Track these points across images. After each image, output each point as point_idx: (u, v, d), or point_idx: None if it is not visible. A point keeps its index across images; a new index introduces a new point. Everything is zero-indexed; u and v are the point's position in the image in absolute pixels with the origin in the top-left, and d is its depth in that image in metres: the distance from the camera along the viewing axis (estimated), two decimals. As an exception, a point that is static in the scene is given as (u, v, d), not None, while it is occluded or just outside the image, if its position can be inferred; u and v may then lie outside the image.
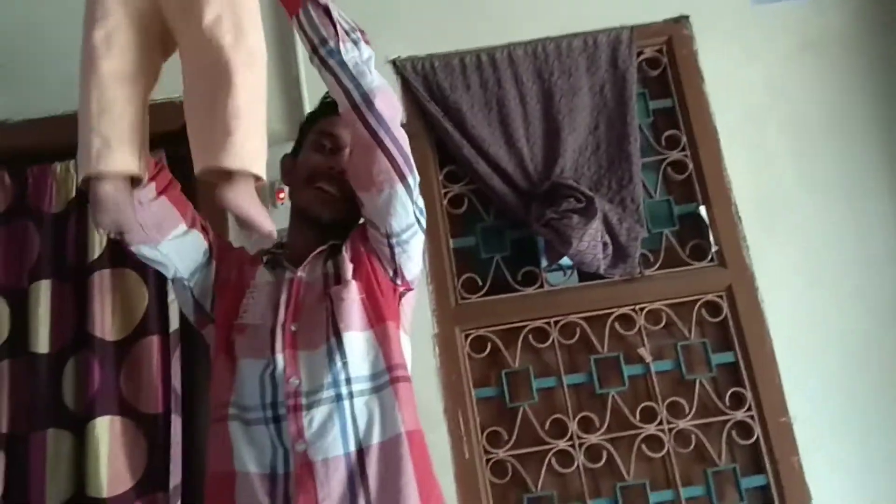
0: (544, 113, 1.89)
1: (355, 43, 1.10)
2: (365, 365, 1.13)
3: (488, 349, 1.82)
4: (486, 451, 1.75)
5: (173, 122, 1.83)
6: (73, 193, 1.82)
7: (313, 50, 1.11)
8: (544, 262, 1.87)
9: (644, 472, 1.77)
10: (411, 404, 1.14)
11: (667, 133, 1.97)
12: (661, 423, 1.78)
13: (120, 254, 1.77)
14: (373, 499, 1.06)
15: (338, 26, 1.09)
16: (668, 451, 1.76)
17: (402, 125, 1.17)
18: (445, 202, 1.91)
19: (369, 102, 1.10)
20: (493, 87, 1.90)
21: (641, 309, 1.84)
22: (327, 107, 1.26)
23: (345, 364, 1.11)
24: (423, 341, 1.76)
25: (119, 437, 1.65)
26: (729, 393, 1.80)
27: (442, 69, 1.92)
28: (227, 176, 0.97)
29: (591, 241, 1.72)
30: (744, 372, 1.81)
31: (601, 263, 1.77)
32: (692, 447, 1.78)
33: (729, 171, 1.92)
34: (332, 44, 1.09)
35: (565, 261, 1.81)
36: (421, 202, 1.22)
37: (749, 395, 1.79)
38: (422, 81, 1.92)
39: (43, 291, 1.74)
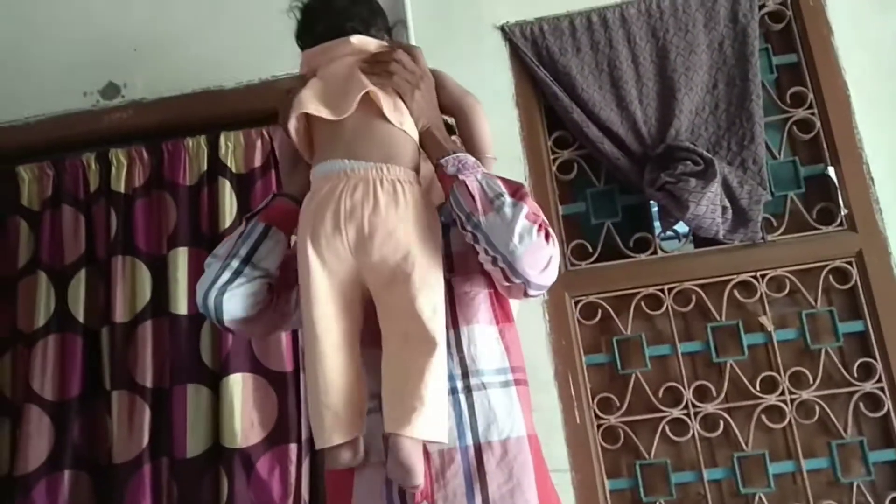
0: (659, 73, 1.83)
1: (497, 211, 1.03)
2: (487, 361, 1.10)
3: (599, 316, 1.82)
4: (598, 417, 1.76)
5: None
6: (205, 167, 1.94)
7: (462, 227, 1.07)
8: (658, 228, 1.83)
9: (763, 442, 1.72)
10: (530, 409, 1.12)
11: (792, 90, 1.86)
12: (782, 393, 1.72)
13: (248, 222, 1.89)
14: (491, 498, 1.03)
15: (476, 198, 1.04)
16: (790, 422, 1.70)
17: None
18: (555, 168, 1.90)
19: (516, 273, 1.03)
20: (605, 49, 1.86)
21: (763, 276, 1.77)
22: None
23: (461, 358, 1.09)
24: (534, 307, 1.78)
25: (251, 392, 1.78)
26: (857, 363, 1.72)
27: (551, 32, 1.90)
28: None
29: (709, 205, 1.67)
30: (874, 342, 1.71)
31: (720, 228, 1.72)
32: (816, 419, 1.71)
33: (860, 129, 1.80)
34: (475, 218, 1.04)
35: (681, 227, 1.77)
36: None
37: (879, 365, 1.70)
38: (531, 46, 1.90)
39: (181, 257, 1.87)
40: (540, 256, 1.02)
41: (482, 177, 1.06)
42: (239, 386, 1.77)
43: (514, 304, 1.21)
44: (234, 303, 1.09)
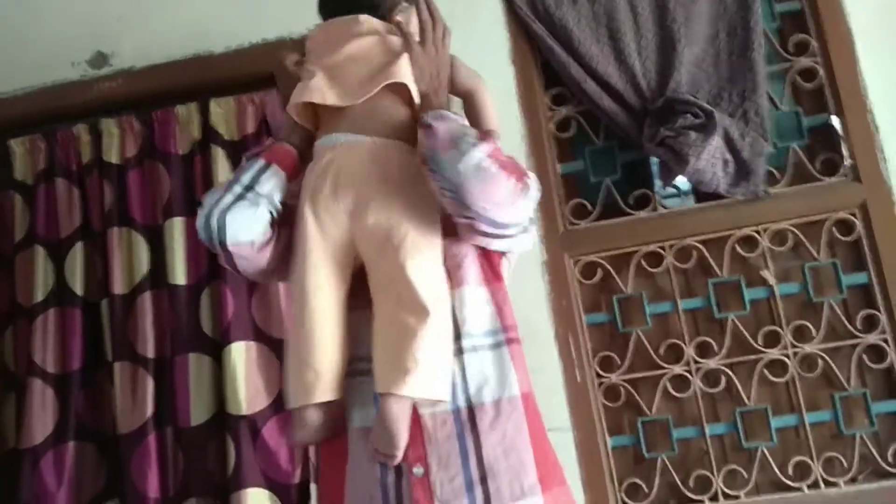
0: (658, 24, 1.78)
1: (456, 147, 1.03)
2: (477, 322, 1.09)
3: (599, 275, 1.80)
4: (599, 376, 1.76)
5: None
6: (197, 135, 1.92)
7: (426, 168, 1.06)
8: (659, 184, 1.80)
9: (766, 397, 1.72)
10: (524, 366, 1.11)
11: (795, 38, 1.81)
12: (785, 347, 1.71)
13: (242, 190, 1.87)
14: (486, 459, 1.02)
15: (439, 137, 1.05)
16: (793, 375, 1.70)
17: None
18: (552, 126, 1.86)
19: (467, 208, 1.03)
20: (602, 0, 1.81)
21: (765, 230, 1.75)
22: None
23: (453, 321, 1.07)
24: (532, 268, 1.76)
25: (254, 360, 1.78)
26: (860, 315, 1.70)
27: (546, -16, 1.84)
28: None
29: (710, 158, 1.64)
30: (878, 293, 1.70)
31: (721, 182, 1.69)
32: (819, 372, 1.70)
33: (865, 78, 1.75)
34: (435, 155, 1.04)
35: (682, 182, 1.74)
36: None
37: (883, 317, 1.69)
38: (526, 0, 1.85)
39: (177, 227, 1.86)
40: (493, 189, 1.01)
41: (454, 123, 1.06)
42: (241, 354, 1.77)
43: (507, 264, 1.20)
44: (238, 224, 1.08)
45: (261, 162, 1.12)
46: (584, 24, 1.80)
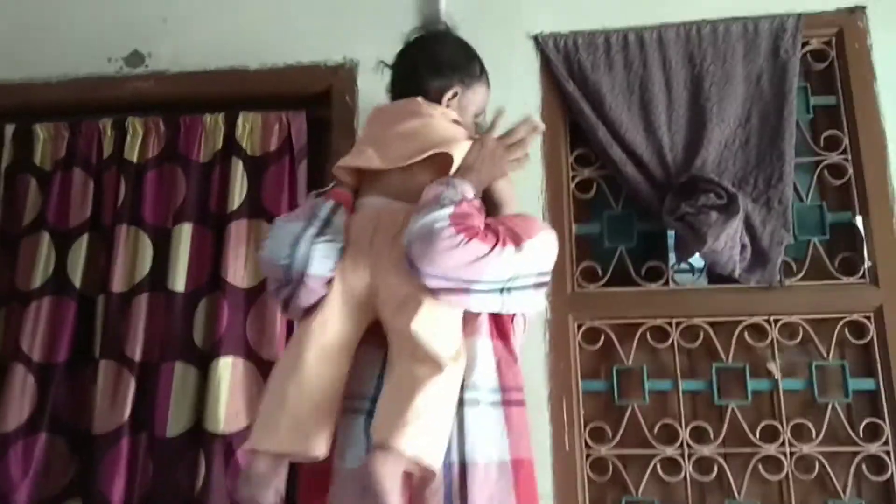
0: (691, 100, 1.78)
1: (427, 207, 1.10)
2: (483, 375, 1.09)
3: (601, 342, 1.76)
4: (588, 446, 1.70)
5: (317, 85, 1.95)
6: (220, 145, 1.92)
7: None
8: (673, 259, 1.77)
9: (757, 493, 1.66)
10: (523, 432, 1.10)
11: (827, 133, 1.80)
12: (783, 444, 1.65)
13: (257, 206, 1.86)
14: None
15: (426, 198, 1.12)
16: (787, 475, 1.64)
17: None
18: (573, 185, 1.85)
19: (413, 260, 1.08)
20: (638, 70, 1.81)
21: (776, 321, 1.71)
22: None
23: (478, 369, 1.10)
24: (535, 325, 1.72)
25: (240, 377, 1.74)
26: (864, 423, 1.65)
27: (585, 47, 1.85)
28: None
29: (728, 240, 1.61)
30: (884, 402, 1.65)
31: (737, 267, 1.66)
32: (814, 475, 1.64)
33: (893, 181, 1.73)
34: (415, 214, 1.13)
35: (696, 260, 1.71)
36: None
37: (888, 428, 1.63)
38: (562, 59, 1.86)
39: (185, 234, 1.85)
40: (432, 248, 1.03)
41: (450, 189, 1.10)
42: (228, 370, 1.74)
43: (518, 326, 1.19)
44: (322, 255, 1.12)
45: (332, 201, 1.19)
46: (617, 90, 1.81)
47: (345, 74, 1.93)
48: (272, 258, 1.12)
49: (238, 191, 1.86)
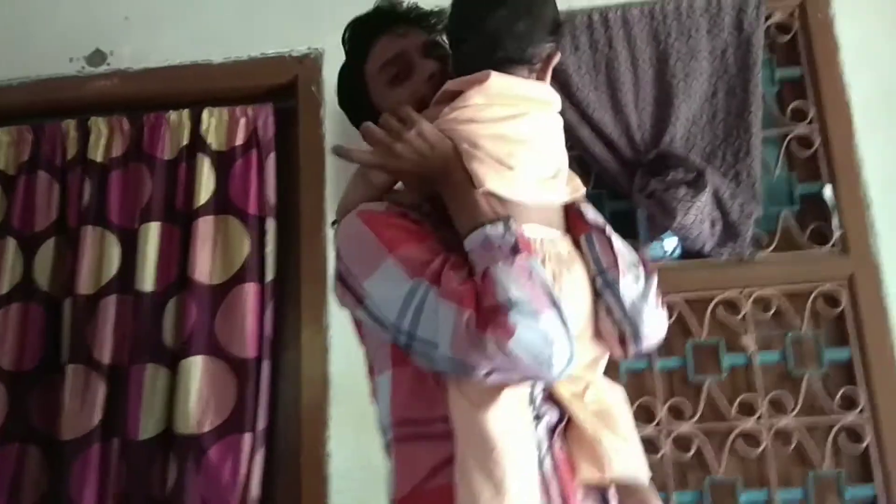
0: (657, 77, 1.77)
1: (636, 279, 0.96)
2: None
3: (577, 323, 1.75)
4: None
5: (283, 77, 1.92)
6: (185, 142, 1.89)
7: (592, 276, 0.95)
8: (644, 237, 1.76)
9: (736, 468, 1.65)
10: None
11: (793, 104, 1.80)
12: (760, 418, 1.65)
13: (225, 202, 1.84)
14: None
15: (619, 258, 0.95)
16: (766, 448, 1.64)
17: None
18: (543, 168, 1.84)
19: (638, 341, 0.96)
20: (604, 49, 1.80)
21: (749, 294, 1.71)
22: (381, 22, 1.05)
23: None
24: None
25: (210, 376, 1.72)
26: (840, 393, 1.65)
27: (550, 29, 1.83)
28: None
29: (697, 215, 1.61)
30: (860, 371, 1.65)
31: (708, 241, 1.65)
32: (793, 447, 1.64)
33: (861, 150, 1.73)
34: (610, 275, 0.95)
35: (669, 244, 1.70)
36: None
37: (863, 397, 1.63)
38: (527, 41, 1.84)
39: (152, 233, 1.82)
40: (660, 327, 0.98)
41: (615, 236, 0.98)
42: (198, 369, 1.71)
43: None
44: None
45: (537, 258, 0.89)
46: (583, 70, 1.79)
47: (310, 64, 1.91)
48: (540, 368, 0.80)
49: (205, 187, 1.84)
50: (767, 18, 1.82)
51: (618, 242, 0.97)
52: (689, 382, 1.70)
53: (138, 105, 1.95)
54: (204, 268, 1.78)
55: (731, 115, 1.73)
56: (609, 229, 0.98)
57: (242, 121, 1.90)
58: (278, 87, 1.93)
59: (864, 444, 1.62)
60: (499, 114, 0.92)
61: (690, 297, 1.72)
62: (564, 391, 0.89)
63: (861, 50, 1.79)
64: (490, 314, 0.79)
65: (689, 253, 1.72)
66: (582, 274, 0.94)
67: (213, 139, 1.89)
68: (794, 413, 1.65)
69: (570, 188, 0.99)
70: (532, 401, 0.87)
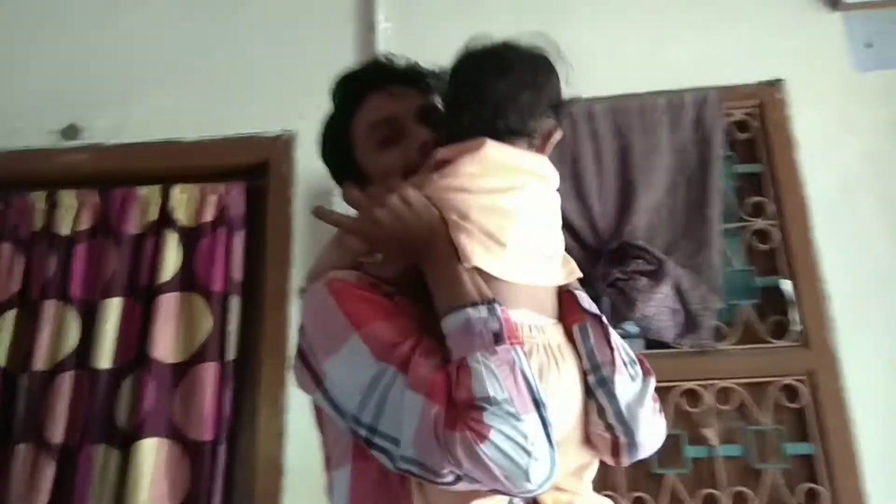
0: (620, 170, 1.82)
1: (633, 378, 0.88)
2: None
3: (541, 411, 1.73)
4: (530, 520, 1.65)
5: (255, 156, 1.95)
6: (154, 217, 1.89)
7: (585, 371, 0.87)
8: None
9: (700, 565, 1.62)
10: None
11: (752, 199, 1.85)
12: (724, 513, 1.63)
13: (190, 279, 1.83)
14: None
15: (615, 352, 0.87)
16: (730, 545, 1.61)
17: None
18: (510, 254, 1.86)
19: (633, 449, 0.87)
20: (569, 141, 1.85)
21: (712, 385, 1.71)
22: (372, 78, 0.98)
23: None
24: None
25: (164, 459, 1.67)
26: (803, 489, 1.63)
27: (518, 119, 1.89)
28: None
29: (659, 306, 1.63)
30: (821, 467, 1.64)
31: (669, 331, 1.66)
32: (757, 544, 1.62)
33: (818, 245, 1.77)
34: (605, 371, 0.86)
35: (632, 327, 1.72)
36: None
37: (826, 493, 1.62)
38: (496, 131, 1.89)
39: (113, 308, 1.80)
40: (658, 435, 0.90)
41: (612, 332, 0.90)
42: (152, 452, 1.67)
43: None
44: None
45: (522, 352, 0.77)
46: (551, 160, 1.83)
47: (282, 146, 1.94)
48: (514, 480, 0.70)
49: (171, 263, 1.83)
50: (728, 116, 1.89)
51: (615, 335, 0.89)
52: (652, 475, 1.68)
53: (109, 180, 1.97)
54: (164, 346, 1.76)
55: (692, 209, 1.78)
56: (605, 320, 0.89)
57: (212, 198, 1.91)
58: (250, 167, 1.95)
59: (828, 543, 1.60)
60: (493, 185, 0.84)
61: (653, 387, 1.72)
62: (549, 499, 0.80)
63: (818, 148, 1.85)
64: (462, 412, 0.70)
65: (653, 343, 1.73)
66: (573, 369, 0.85)
67: (181, 215, 1.89)
68: (758, 509, 1.63)
69: (566, 271, 0.91)
70: None
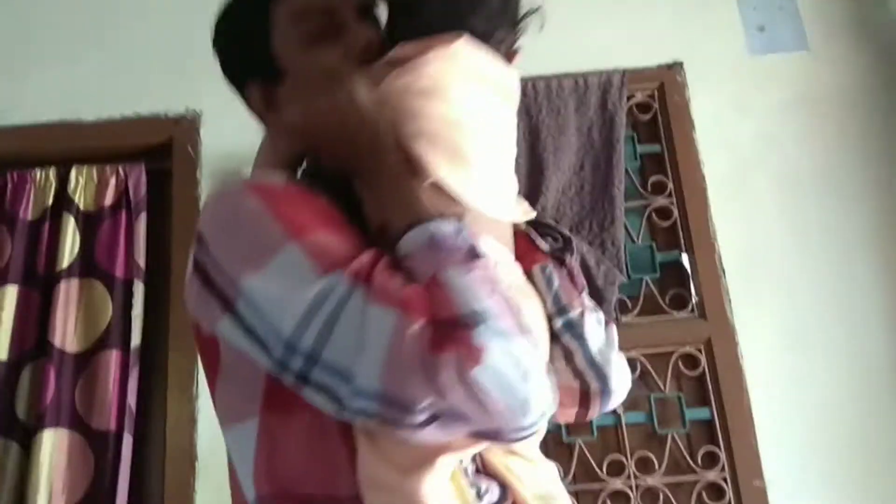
0: (529, 150, 1.86)
1: (599, 322, 0.81)
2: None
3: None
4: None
5: (157, 137, 1.89)
6: (50, 201, 1.81)
7: (549, 316, 0.78)
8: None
9: (608, 527, 1.69)
10: None
11: (653, 178, 1.93)
12: (629, 477, 1.70)
13: (90, 264, 1.76)
14: None
15: (584, 294, 0.81)
16: (635, 507, 1.69)
17: None
18: (423, 234, 1.87)
19: (606, 396, 0.79)
20: (479, 122, 1.88)
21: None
22: None
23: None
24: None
25: (66, 451, 1.61)
26: (702, 451, 1.73)
27: (430, 101, 1.90)
28: None
29: (565, 282, 1.68)
30: (719, 430, 1.73)
31: (575, 307, 1.72)
32: (660, 505, 1.70)
33: (715, 221, 1.87)
34: (573, 314, 0.78)
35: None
36: None
37: (723, 455, 1.72)
38: (408, 111, 1.90)
39: (8, 297, 1.71)
40: (627, 381, 0.83)
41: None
42: (53, 443, 1.60)
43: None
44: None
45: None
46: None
47: (187, 125, 1.88)
48: (512, 413, 0.56)
49: (69, 248, 1.76)
50: (630, 98, 1.96)
51: (580, 277, 0.81)
52: (563, 443, 1.74)
53: (1, 162, 1.86)
54: (65, 334, 1.69)
55: (597, 188, 1.84)
56: (570, 260, 0.81)
57: (112, 180, 1.84)
58: (152, 147, 1.89)
59: (725, 502, 1.69)
60: (459, 93, 0.70)
61: (562, 360, 1.77)
62: (500, 463, 0.67)
63: (714, 129, 1.94)
64: (446, 329, 0.55)
65: (561, 317, 1.78)
66: (538, 311, 0.75)
67: (80, 198, 1.82)
68: (661, 472, 1.71)
69: (521, 209, 0.81)
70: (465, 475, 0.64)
